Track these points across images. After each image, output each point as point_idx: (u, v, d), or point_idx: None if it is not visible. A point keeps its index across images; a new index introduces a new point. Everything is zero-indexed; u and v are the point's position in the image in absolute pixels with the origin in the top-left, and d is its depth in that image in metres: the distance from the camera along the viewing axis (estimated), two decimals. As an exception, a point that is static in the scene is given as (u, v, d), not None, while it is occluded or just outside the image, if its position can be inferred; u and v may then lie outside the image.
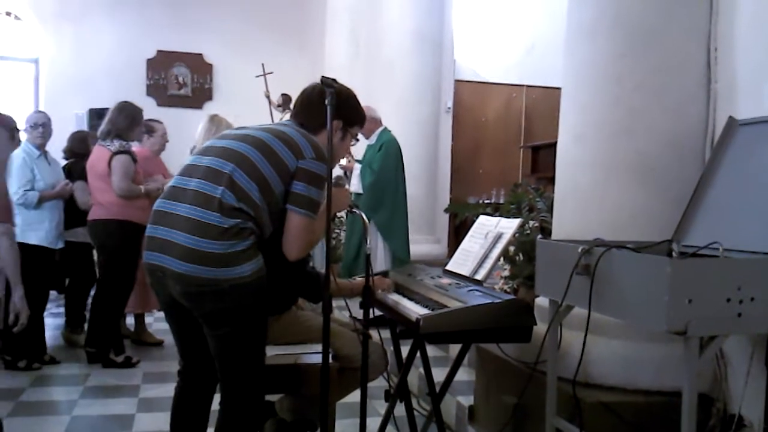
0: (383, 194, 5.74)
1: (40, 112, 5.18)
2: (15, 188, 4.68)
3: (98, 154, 4.88)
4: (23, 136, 4.83)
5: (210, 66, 10.29)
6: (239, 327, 2.36)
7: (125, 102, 5.05)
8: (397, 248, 5.78)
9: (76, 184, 5.16)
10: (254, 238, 2.34)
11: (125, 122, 4.89)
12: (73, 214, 5.18)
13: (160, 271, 2.36)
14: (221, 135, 2.57)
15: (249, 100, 9.02)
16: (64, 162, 5.59)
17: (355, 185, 5.75)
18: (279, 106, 9.05)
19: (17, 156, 4.80)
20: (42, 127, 4.92)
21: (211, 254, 2.25)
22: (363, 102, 2.79)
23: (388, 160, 5.75)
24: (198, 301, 2.33)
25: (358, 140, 2.88)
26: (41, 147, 4.96)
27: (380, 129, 5.89)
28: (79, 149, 5.58)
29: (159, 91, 10.10)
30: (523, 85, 9.04)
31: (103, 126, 4.94)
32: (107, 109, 5.05)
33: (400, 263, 5.59)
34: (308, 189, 2.39)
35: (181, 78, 10.19)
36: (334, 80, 2.44)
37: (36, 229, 4.77)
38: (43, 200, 4.82)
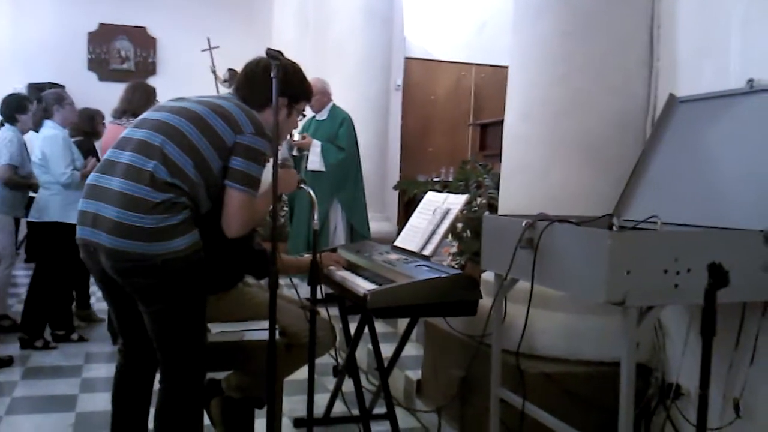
0: (350, 171, 5.73)
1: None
2: (62, 168, 4.73)
3: (114, 133, 4.77)
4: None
5: (154, 39, 9.99)
6: (173, 303, 2.30)
7: (138, 81, 5.20)
8: (359, 224, 5.78)
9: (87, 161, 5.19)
10: (188, 212, 2.27)
11: (141, 101, 4.87)
12: None
13: (92, 246, 2.30)
14: (157, 107, 2.49)
15: (194, 75, 8.77)
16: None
17: (315, 163, 5.66)
18: (225, 81, 8.85)
19: (55, 137, 4.81)
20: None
21: (141, 228, 2.19)
22: (313, 77, 2.74)
23: (351, 136, 5.72)
24: (130, 276, 2.27)
25: (305, 115, 2.83)
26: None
27: (330, 104, 5.83)
28: (87, 127, 5.58)
29: (101, 65, 9.77)
30: (472, 64, 9.06)
31: (117, 105, 4.99)
32: (47, 84, 4.96)
33: (361, 240, 5.59)
34: (247, 164, 2.33)
35: (124, 52, 9.87)
36: (279, 53, 2.38)
37: (75, 208, 4.71)
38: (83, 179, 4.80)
